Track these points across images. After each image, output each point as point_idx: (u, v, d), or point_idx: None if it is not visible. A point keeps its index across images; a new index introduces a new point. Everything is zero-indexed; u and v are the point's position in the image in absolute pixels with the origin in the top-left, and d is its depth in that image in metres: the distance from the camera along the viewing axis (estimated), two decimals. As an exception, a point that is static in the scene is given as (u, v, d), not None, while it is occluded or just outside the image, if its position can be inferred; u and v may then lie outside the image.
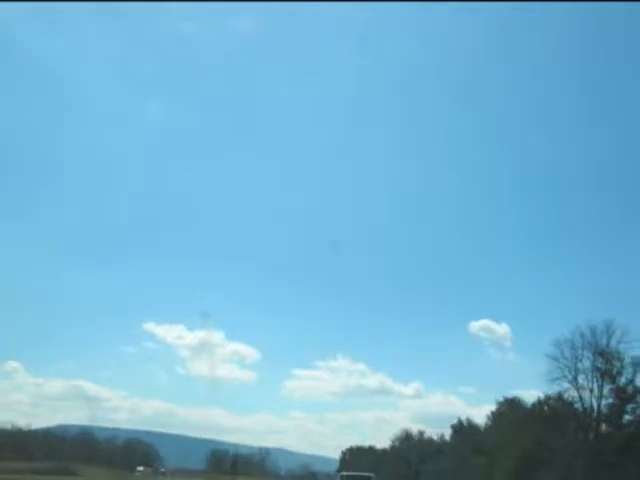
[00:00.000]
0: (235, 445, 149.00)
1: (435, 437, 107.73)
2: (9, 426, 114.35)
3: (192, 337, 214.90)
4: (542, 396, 57.34)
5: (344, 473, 30.23)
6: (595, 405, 49.89)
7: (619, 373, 48.79)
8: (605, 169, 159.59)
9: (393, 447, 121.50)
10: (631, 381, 48.39)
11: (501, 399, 71.13)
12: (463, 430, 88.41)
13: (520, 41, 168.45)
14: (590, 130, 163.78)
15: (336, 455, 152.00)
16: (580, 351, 50.47)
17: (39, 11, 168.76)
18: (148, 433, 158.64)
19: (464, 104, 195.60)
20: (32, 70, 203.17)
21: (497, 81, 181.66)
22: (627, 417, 49.10)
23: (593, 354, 49.86)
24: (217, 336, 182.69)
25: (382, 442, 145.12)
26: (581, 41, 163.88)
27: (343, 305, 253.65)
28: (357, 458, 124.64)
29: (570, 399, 52.09)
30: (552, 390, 53.55)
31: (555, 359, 51.08)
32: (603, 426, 50.59)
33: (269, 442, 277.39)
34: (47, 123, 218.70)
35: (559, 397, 53.22)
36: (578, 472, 46.60)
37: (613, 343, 49.11)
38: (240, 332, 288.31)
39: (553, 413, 54.38)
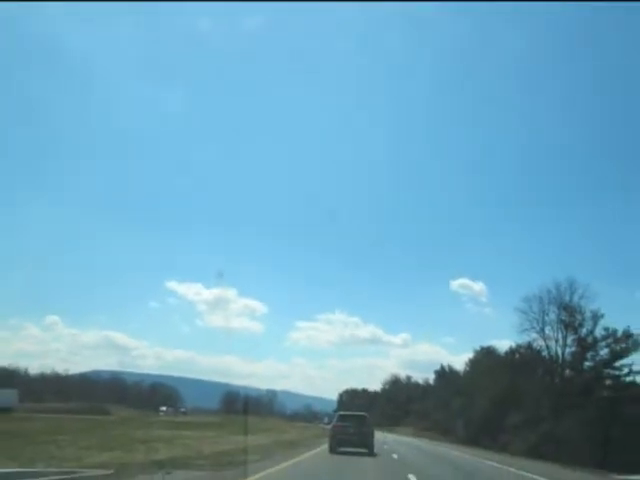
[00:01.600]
0: (246, 388, 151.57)
1: (421, 381, 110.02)
2: (49, 371, 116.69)
3: (208, 294, 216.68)
4: (514, 345, 58.34)
5: (341, 413, 30.85)
6: (560, 353, 50.74)
7: (580, 325, 49.38)
8: (574, 143, 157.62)
9: (384, 390, 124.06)
10: (591, 332, 49.03)
11: (478, 348, 72.24)
12: (445, 375, 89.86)
13: (520, 41, 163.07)
14: (580, 123, 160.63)
15: (334, 397, 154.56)
16: (547, 306, 51.11)
17: (74, 11, 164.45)
18: (171, 377, 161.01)
19: (463, 104, 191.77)
20: (72, 64, 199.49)
21: (497, 80, 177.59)
22: (587, 364, 49.89)
23: (558, 308, 50.49)
24: (230, 293, 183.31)
25: (374, 385, 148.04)
26: (579, 39, 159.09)
27: (340, 265, 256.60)
28: (353, 400, 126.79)
29: (538, 348, 52.93)
30: (522, 340, 54.45)
31: (525, 313, 51.79)
32: (567, 371, 51.45)
33: (276, 385, 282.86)
34: (83, 108, 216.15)
35: (528, 346, 54.09)
36: (545, 411, 47.60)
37: (575, 299, 49.66)
38: (250, 289, 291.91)
39: (523, 360, 55.31)
